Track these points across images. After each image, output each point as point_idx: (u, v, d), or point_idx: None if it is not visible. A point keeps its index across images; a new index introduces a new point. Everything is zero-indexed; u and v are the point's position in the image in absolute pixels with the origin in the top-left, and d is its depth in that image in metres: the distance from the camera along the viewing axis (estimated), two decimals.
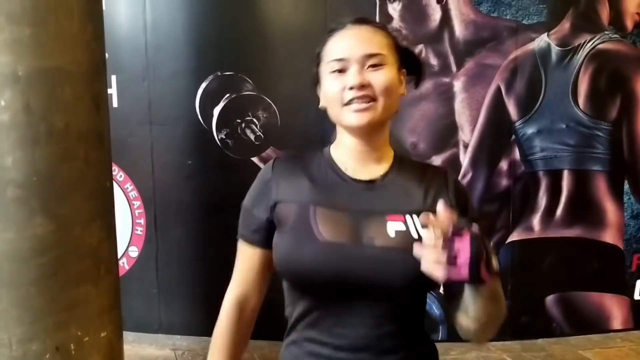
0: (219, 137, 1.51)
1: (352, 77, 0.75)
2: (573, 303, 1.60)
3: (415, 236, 0.75)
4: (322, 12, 1.44)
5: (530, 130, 1.51)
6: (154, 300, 1.62)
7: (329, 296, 0.75)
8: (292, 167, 0.82)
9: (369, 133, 0.78)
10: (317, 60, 0.80)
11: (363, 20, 0.80)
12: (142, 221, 1.61)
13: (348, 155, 0.81)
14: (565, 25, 1.47)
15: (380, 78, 0.76)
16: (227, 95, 1.50)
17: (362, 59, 0.76)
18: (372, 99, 0.75)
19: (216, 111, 1.50)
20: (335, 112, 0.76)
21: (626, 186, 1.58)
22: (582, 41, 1.47)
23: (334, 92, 0.75)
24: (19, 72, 1.01)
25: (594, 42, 1.48)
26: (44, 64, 1.02)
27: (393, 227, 0.76)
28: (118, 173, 1.57)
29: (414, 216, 0.77)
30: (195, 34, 1.48)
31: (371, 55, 0.76)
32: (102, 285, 1.14)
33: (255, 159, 1.53)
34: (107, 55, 1.18)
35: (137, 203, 1.59)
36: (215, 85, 1.49)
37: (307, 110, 1.49)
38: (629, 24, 1.48)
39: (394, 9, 1.44)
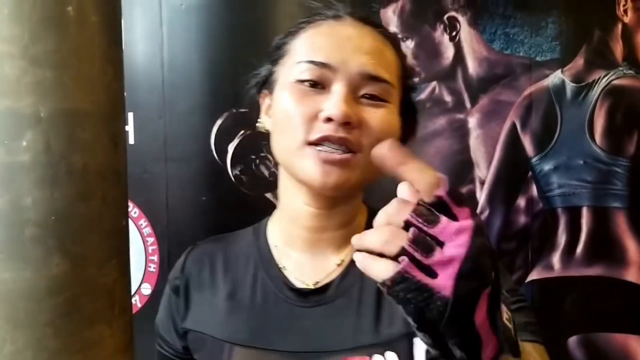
0: (234, 173, 1.51)
1: (335, 102, 0.46)
2: (597, 344, 1.55)
3: None
4: None
5: (547, 166, 1.49)
6: None
7: None
8: (210, 265, 0.56)
9: (332, 201, 0.50)
10: (274, 54, 0.55)
11: (370, 19, 0.53)
12: (156, 258, 1.59)
13: (293, 234, 0.53)
14: (579, 61, 1.47)
15: (378, 122, 0.47)
16: (242, 131, 1.50)
17: (356, 78, 0.47)
18: (355, 149, 0.47)
19: (231, 147, 1.51)
20: (289, 150, 0.49)
21: None
22: (597, 77, 1.47)
23: (297, 117, 0.47)
24: (41, 113, 1.02)
25: (608, 78, 1.47)
26: (65, 105, 1.03)
27: None
28: (132, 209, 1.57)
29: (388, 353, 0.45)
30: (211, 72, 1.50)
31: (374, 78, 0.48)
32: (116, 325, 1.12)
33: (269, 195, 1.53)
34: (125, 93, 1.20)
35: (151, 239, 1.59)
36: (230, 122, 1.50)
37: None
38: None
39: (407, 47, 1.46)
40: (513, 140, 1.48)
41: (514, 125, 1.48)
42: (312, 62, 0.47)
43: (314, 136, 0.46)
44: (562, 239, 1.52)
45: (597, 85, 1.47)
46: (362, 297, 0.48)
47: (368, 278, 0.40)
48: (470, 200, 1.50)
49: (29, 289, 1.08)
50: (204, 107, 1.50)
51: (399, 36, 1.46)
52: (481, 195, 1.50)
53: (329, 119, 0.46)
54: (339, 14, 0.51)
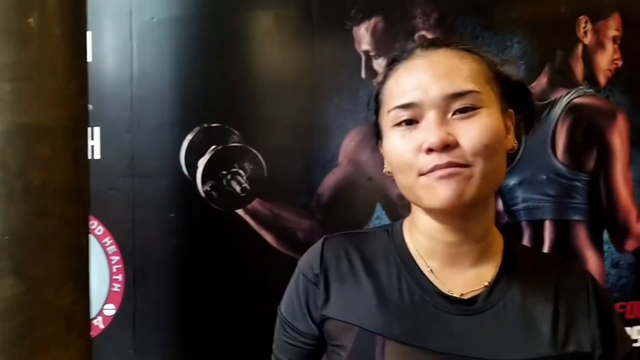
0: (204, 189, 1.49)
1: (430, 132, 0.50)
2: None
3: None
4: (310, 65, 1.46)
5: (512, 181, 1.54)
6: None
7: None
8: (350, 258, 0.57)
9: (462, 217, 0.53)
10: (375, 105, 0.58)
11: (440, 41, 0.55)
12: (120, 277, 1.54)
13: (431, 248, 0.55)
14: (543, 80, 1.53)
15: (476, 130, 0.50)
16: (213, 147, 1.48)
17: (442, 102, 0.50)
18: (464, 164, 0.50)
19: (201, 163, 1.49)
20: (408, 185, 0.53)
21: (606, 235, 1.61)
22: (559, 95, 1.53)
23: (403, 156, 0.52)
24: None
25: (570, 97, 1.54)
26: (23, 120, 0.99)
27: None
28: (97, 227, 1.51)
29: None
30: (182, 86, 1.47)
31: (457, 95, 0.50)
32: (74, 349, 1.08)
33: (240, 211, 1.51)
34: (91, 107, 1.16)
35: (116, 258, 1.53)
36: (201, 137, 1.48)
37: (293, 162, 1.48)
38: (602, 80, 1.55)
39: (379, 65, 1.48)
40: None
41: None
42: (399, 106, 0.52)
43: (424, 168, 0.50)
44: None
45: (559, 103, 1.53)
46: (507, 314, 0.51)
47: (513, 297, 0.49)
48: None
49: None
50: (173, 122, 1.47)
51: (372, 54, 1.48)
52: None
53: (430, 150, 0.49)
54: (411, 51, 0.55)
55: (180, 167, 1.48)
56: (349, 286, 0.55)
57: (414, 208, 0.57)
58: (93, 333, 1.21)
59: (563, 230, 1.58)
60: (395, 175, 0.55)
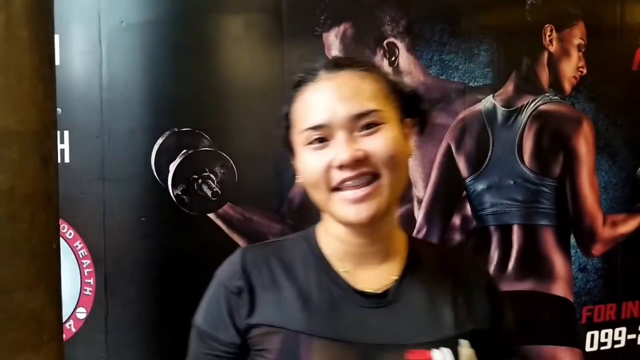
0: (175, 194, 1.49)
1: (340, 150, 0.54)
2: (528, 357, 1.62)
3: None
4: (279, 69, 1.48)
5: (480, 186, 1.57)
6: None
7: None
8: (270, 266, 0.60)
9: (371, 223, 0.56)
10: (285, 123, 0.61)
11: (341, 62, 0.59)
12: (92, 281, 1.54)
13: (344, 251, 0.60)
14: (509, 87, 1.56)
15: (380, 144, 0.54)
16: (184, 151, 1.49)
17: (349, 122, 0.54)
18: (374, 175, 0.54)
19: (172, 167, 1.49)
20: (322, 199, 0.57)
21: (573, 240, 1.64)
22: (525, 102, 1.56)
23: (316, 172, 0.55)
24: None
25: (536, 103, 1.57)
26: None
27: None
28: (67, 231, 1.51)
29: (442, 349, 0.55)
30: (152, 91, 1.48)
31: (362, 115, 0.55)
32: (45, 353, 1.08)
33: (211, 215, 1.51)
34: (60, 110, 1.16)
35: (87, 262, 1.54)
36: (171, 141, 1.49)
37: (264, 166, 1.49)
38: (567, 87, 1.59)
39: None
40: (448, 162, 1.54)
41: (449, 147, 1.54)
42: (310, 128, 0.56)
43: (335, 182, 0.54)
44: (494, 255, 1.59)
45: (525, 109, 1.56)
46: (415, 303, 0.58)
47: (418, 287, 0.57)
48: (408, 219, 1.55)
49: None
50: (144, 126, 1.47)
51: None
52: (419, 214, 1.55)
53: (341, 166, 0.54)
54: (315, 72, 0.59)
55: (151, 171, 1.48)
56: (272, 293, 0.59)
57: (326, 216, 0.61)
58: (65, 336, 1.21)
59: (531, 235, 1.61)
60: (308, 189, 0.58)
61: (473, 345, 0.58)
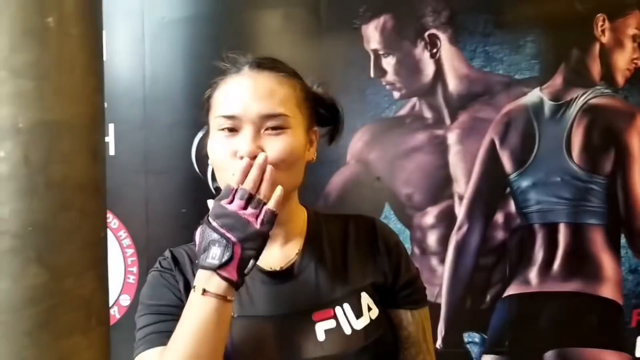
0: (214, 186, 1.52)
1: (244, 143, 0.61)
2: (572, 359, 1.56)
3: (349, 331, 0.64)
4: (317, 65, 1.47)
5: (525, 183, 1.51)
6: None
7: None
8: (190, 258, 0.70)
9: None
10: (206, 105, 0.69)
11: (264, 64, 0.66)
12: (135, 269, 1.59)
13: None
14: (557, 80, 1.49)
15: (279, 146, 0.62)
16: None
17: (258, 120, 0.62)
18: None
19: None
20: (224, 181, 0.63)
21: (623, 240, 1.56)
22: (575, 96, 1.49)
23: (222, 157, 0.63)
24: (20, 124, 1.02)
25: (586, 97, 1.50)
26: (44, 116, 1.03)
27: (322, 327, 0.64)
28: (112, 220, 1.57)
29: (344, 304, 0.65)
30: (193, 86, 1.51)
31: (270, 116, 0.62)
32: (93, 336, 1.12)
33: None
34: (106, 104, 1.20)
35: (130, 251, 1.59)
36: None
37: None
38: (620, 80, 1.50)
39: (388, 63, 1.47)
40: (492, 157, 1.50)
41: (492, 142, 1.49)
42: (223, 116, 0.63)
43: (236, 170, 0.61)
44: (539, 254, 1.53)
45: (574, 103, 1.49)
46: (317, 272, 0.67)
47: (317, 258, 0.67)
48: (448, 216, 1.51)
49: (7, 300, 1.08)
50: (185, 120, 1.50)
51: (380, 52, 1.47)
52: (460, 211, 1.51)
53: (242, 157, 0.61)
54: (240, 66, 0.66)
55: (192, 164, 1.51)
56: (190, 280, 0.68)
57: None
58: (110, 322, 1.26)
59: (578, 234, 1.54)
60: (216, 170, 0.66)
61: (372, 294, 0.68)
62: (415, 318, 0.72)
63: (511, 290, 1.54)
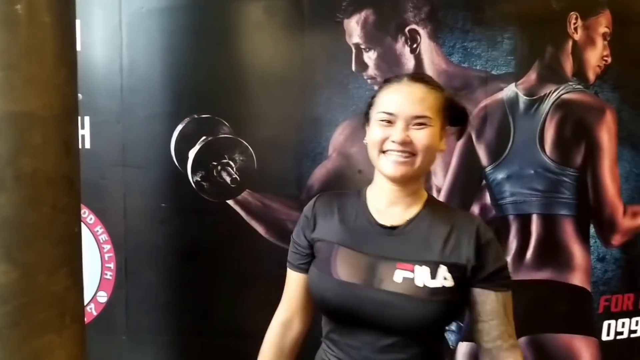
0: (194, 180, 1.50)
1: (397, 133, 0.84)
2: (544, 345, 1.62)
3: (420, 284, 0.83)
4: (299, 59, 1.47)
5: (500, 175, 1.55)
6: (123, 347, 1.56)
7: (343, 323, 0.88)
8: (330, 206, 0.95)
9: (403, 182, 0.87)
10: (369, 102, 0.93)
11: (419, 77, 0.89)
12: (112, 265, 1.56)
13: (381, 197, 0.91)
14: (532, 75, 1.53)
15: (422, 137, 0.84)
16: (204, 137, 1.49)
17: (409, 118, 0.84)
18: (412, 154, 0.85)
19: (192, 154, 1.50)
20: (374, 156, 0.88)
21: (592, 230, 1.62)
22: (548, 91, 1.54)
23: (378, 139, 0.86)
24: None
25: (559, 92, 1.54)
26: (14, 108, 0.99)
27: (401, 274, 0.84)
28: (88, 216, 1.53)
29: (423, 266, 0.84)
30: (172, 77, 1.48)
31: (418, 117, 0.84)
32: (67, 334, 1.10)
33: (230, 202, 1.52)
34: (81, 96, 1.17)
35: (107, 247, 1.55)
36: (191, 127, 1.49)
37: (283, 154, 1.49)
38: (591, 76, 1.56)
39: (370, 58, 1.48)
40: (468, 150, 1.53)
41: (469, 136, 1.53)
42: (384, 112, 0.86)
43: (386, 148, 0.85)
44: (513, 244, 1.58)
45: (548, 98, 1.54)
46: (414, 237, 0.87)
47: (421, 228, 0.88)
48: None
49: None
50: (164, 113, 1.47)
51: (362, 47, 1.48)
52: None
53: (394, 142, 0.84)
54: (402, 77, 0.89)
55: (171, 157, 1.49)
56: (326, 220, 0.93)
57: (375, 175, 0.92)
58: (86, 319, 1.23)
59: (550, 225, 1.59)
60: (369, 148, 0.88)
61: (451, 270, 0.85)
62: (499, 298, 0.88)
63: None
